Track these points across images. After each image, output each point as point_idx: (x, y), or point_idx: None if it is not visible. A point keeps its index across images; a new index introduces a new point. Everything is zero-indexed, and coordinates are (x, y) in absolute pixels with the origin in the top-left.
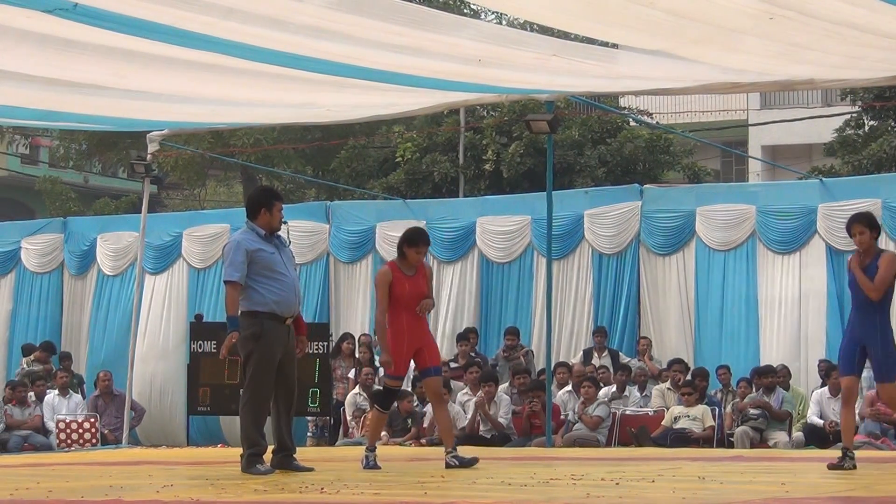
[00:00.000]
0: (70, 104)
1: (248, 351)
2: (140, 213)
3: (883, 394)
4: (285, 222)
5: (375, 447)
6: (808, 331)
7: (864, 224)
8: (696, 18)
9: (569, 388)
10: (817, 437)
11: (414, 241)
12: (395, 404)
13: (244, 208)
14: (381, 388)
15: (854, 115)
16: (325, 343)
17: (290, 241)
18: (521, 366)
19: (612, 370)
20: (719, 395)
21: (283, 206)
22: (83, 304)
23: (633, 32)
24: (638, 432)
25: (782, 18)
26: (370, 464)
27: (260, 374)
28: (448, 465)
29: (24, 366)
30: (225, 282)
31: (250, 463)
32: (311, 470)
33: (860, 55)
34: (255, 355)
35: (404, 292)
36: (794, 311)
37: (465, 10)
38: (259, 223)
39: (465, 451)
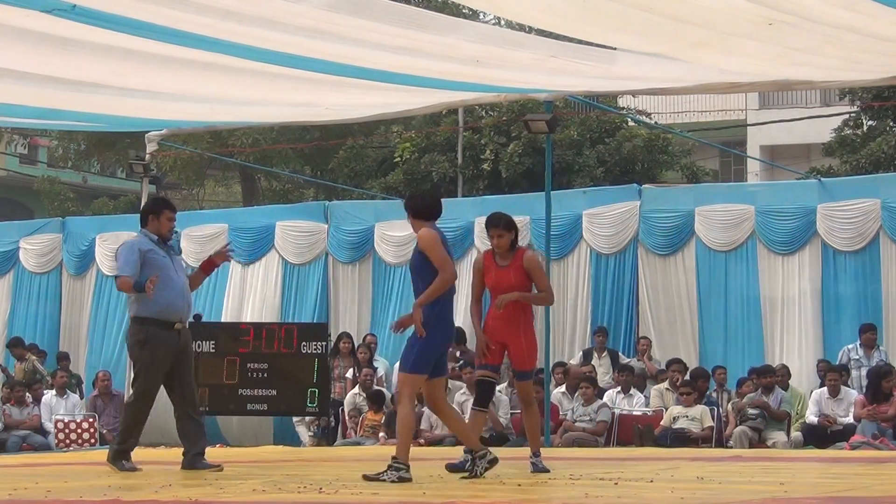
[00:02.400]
0: (68, 103)
1: (135, 357)
2: (138, 213)
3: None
4: (177, 231)
5: (482, 449)
6: (808, 331)
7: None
8: (694, 23)
9: (562, 388)
10: (816, 436)
11: (486, 226)
12: (392, 406)
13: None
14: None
15: (853, 114)
16: (324, 343)
17: (181, 251)
18: None
19: (612, 371)
20: (715, 394)
21: (281, 206)
22: (82, 304)
23: (632, 36)
24: (644, 430)
25: (781, 24)
26: (480, 469)
27: (145, 381)
28: (533, 469)
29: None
30: (116, 277)
31: (116, 457)
32: (219, 468)
33: (859, 59)
34: (140, 362)
35: (490, 283)
36: (794, 312)
37: (465, 10)
38: (149, 229)
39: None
